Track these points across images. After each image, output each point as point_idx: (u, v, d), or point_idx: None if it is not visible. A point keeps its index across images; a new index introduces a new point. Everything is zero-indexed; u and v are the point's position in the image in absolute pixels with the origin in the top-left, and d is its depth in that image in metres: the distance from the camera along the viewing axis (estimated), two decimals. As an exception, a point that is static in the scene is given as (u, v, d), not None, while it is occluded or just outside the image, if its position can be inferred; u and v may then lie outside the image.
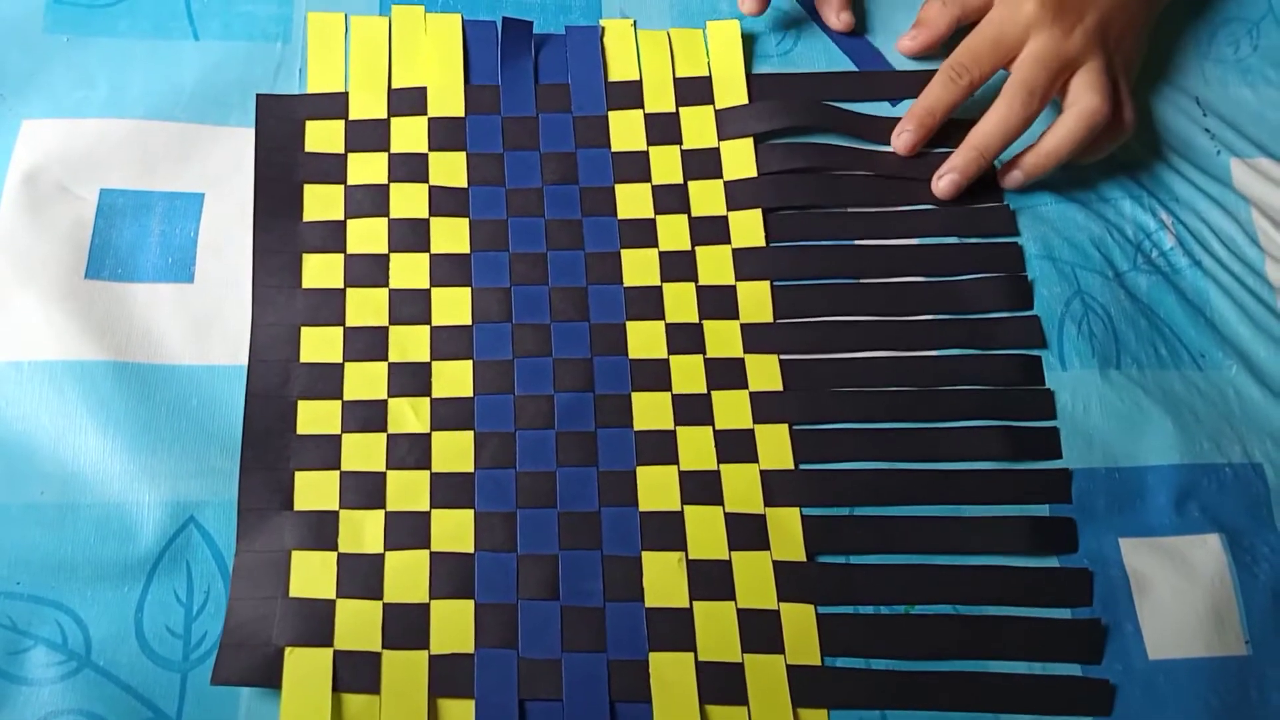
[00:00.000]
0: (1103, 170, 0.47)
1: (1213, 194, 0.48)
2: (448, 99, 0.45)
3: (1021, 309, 0.44)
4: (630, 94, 0.47)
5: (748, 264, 0.44)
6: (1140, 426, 0.42)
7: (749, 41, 0.49)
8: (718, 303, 0.43)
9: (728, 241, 0.44)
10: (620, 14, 0.49)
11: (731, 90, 0.47)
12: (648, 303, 0.42)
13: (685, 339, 0.42)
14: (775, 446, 0.40)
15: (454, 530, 0.38)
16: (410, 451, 0.39)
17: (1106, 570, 0.39)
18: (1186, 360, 0.44)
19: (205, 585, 0.36)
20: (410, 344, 0.41)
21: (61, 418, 0.38)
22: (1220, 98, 0.51)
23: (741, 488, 0.39)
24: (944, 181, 0.45)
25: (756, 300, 0.43)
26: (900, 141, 0.46)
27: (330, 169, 0.44)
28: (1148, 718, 0.37)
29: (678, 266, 0.43)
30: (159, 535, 0.37)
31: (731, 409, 0.41)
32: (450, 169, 0.44)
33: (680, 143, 0.46)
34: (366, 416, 0.39)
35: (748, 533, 0.39)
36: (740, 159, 0.46)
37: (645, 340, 0.41)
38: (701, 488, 0.39)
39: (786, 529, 0.39)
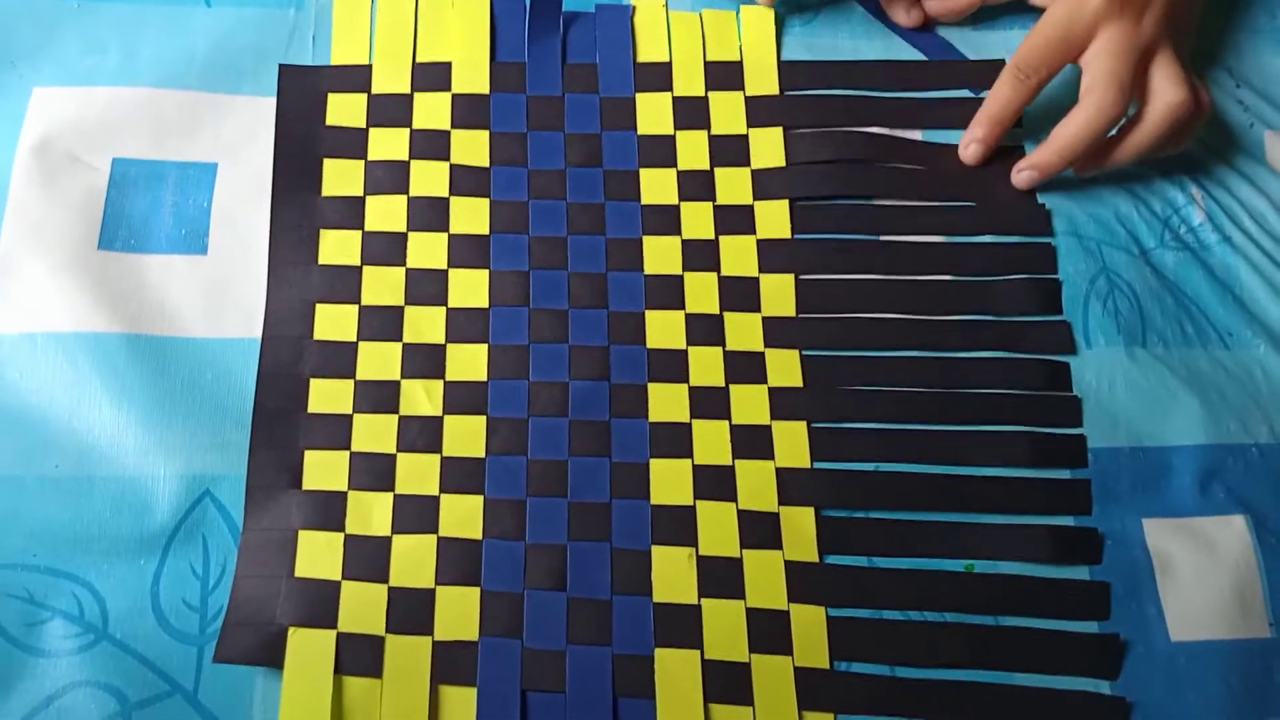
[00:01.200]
0: (1132, 143, 0.46)
1: (1244, 169, 0.47)
2: (473, 75, 0.45)
3: (1051, 313, 0.43)
4: (659, 76, 0.46)
5: (772, 256, 0.43)
6: (1166, 405, 0.41)
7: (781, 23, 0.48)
8: (740, 295, 0.42)
9: (753, 232, 0.43)
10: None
11: (763, 76, 0.46)
12: (668, 292, 0.42)
13: (705, 330, 0.41)
14: (792, 444, 0.40)
15: (462, 516, 0.37)
16: (421, 434, 0.38)
17: (1129, 550, 0.39)
18: (1214, 338, 0.43)
19: (221, 559, 0.36)
20: (425, 325, 0.40)
21: (75, 390, 0.38)
22: (1254, 68, 0.50)
23: (756, 484, 0.39)
24: (1023, 176, 0.44)
25: (779, 293, 0.42)
26: (969, 153, 0.44)
27: (351, 143, 0.43)
28: (1167, 699, 0.37)
29: (700, 255, 0.42)
30: (174, 509, 0.37)
31: (749, 403, 0.40)
32: (472, 147, 0.43)
33: (709, 128, 0.45)
34: (378, 397, 0.39)
35: (760, 531, 0.38)
36: (769, 147, 0.45)
37: (664, 330, 0.41)
38: (715, 483, 0.39)
39: (800, 529, 0.38)
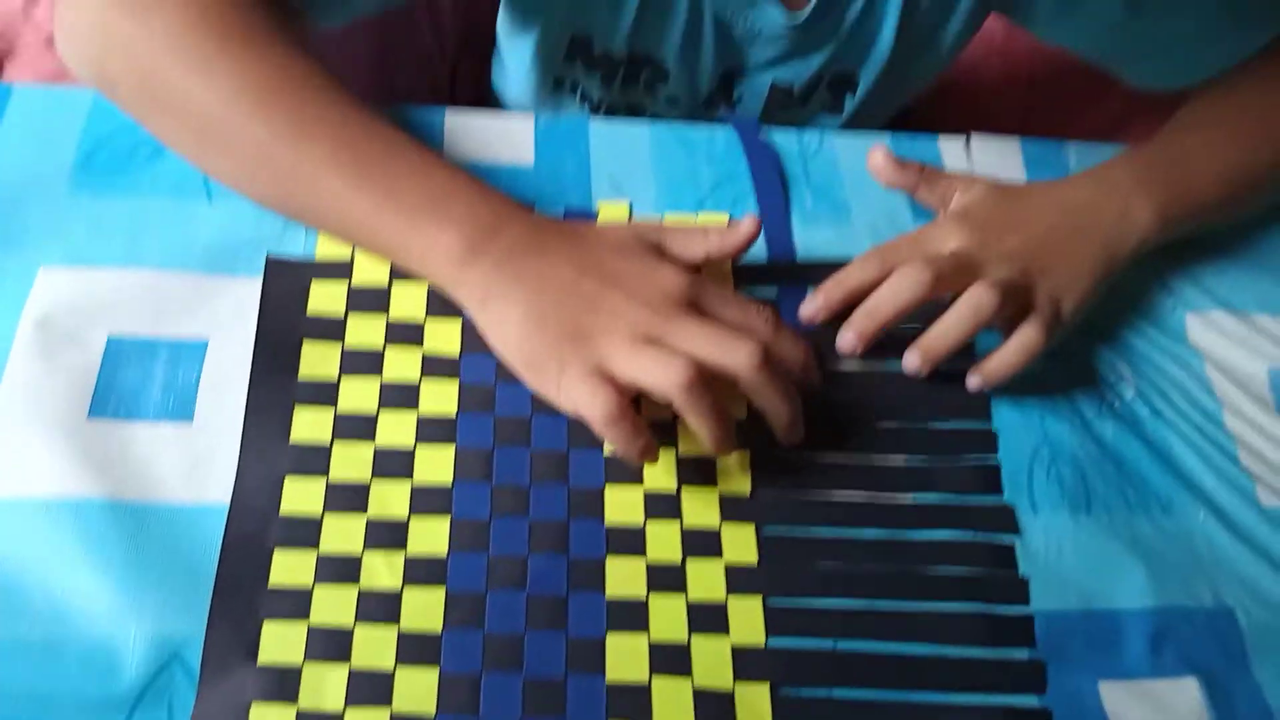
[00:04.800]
0: (1063, 324, 0.50)
1: (1167, 348, 0.51)
2: None
3: (993, 495, 0.45)
4: None
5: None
6: (1113, 569, 0.43)
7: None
8: (697, 469, 0.43)
9: None
10: (613, 191, 0.52)
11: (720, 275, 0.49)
12: (627, 468, 0.43)
13: (664, 506, 0.42)
14: (748, 620, 0.40)
15: (417, 690, 0.37)
16: (379, 606, 0.39)
17: (1085, 715, 0.39)
18: (1154, 506, 0.45)
19: (184, 725, 0.36)
20: (391, 499, 0.41)
21: (55, 555, 0.38)
22: (1178, 252, 0.53)
23: (712, 661, 0.39)
24: (845, 340, 0.46)
25: (736, 471, 0.44)
26: (804, 309, 0.47)
27: (329, 329, 0.45)
28: None
29: (659, 432, 0.43)
30: (142, 672, 0.37)
31: (706, 579, 0.41)
32: (445, 336, 0.46)
33: None
34: (340, 570, 0.40)
35: (715, 709, 0.38)
36: None
37: (623, 506, 0.42)
38: (670, 659, 0.39)
39: (754, 707, 0.38)
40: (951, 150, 0.55)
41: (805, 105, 0.66)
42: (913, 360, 0.45)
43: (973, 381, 0.46)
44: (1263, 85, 0.56)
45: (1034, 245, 0.48)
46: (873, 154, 0.52)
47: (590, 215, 0.50)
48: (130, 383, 0.43)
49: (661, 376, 0.38)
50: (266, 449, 0.42)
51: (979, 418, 0.47)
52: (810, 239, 0.51)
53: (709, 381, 0.39)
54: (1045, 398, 0.48)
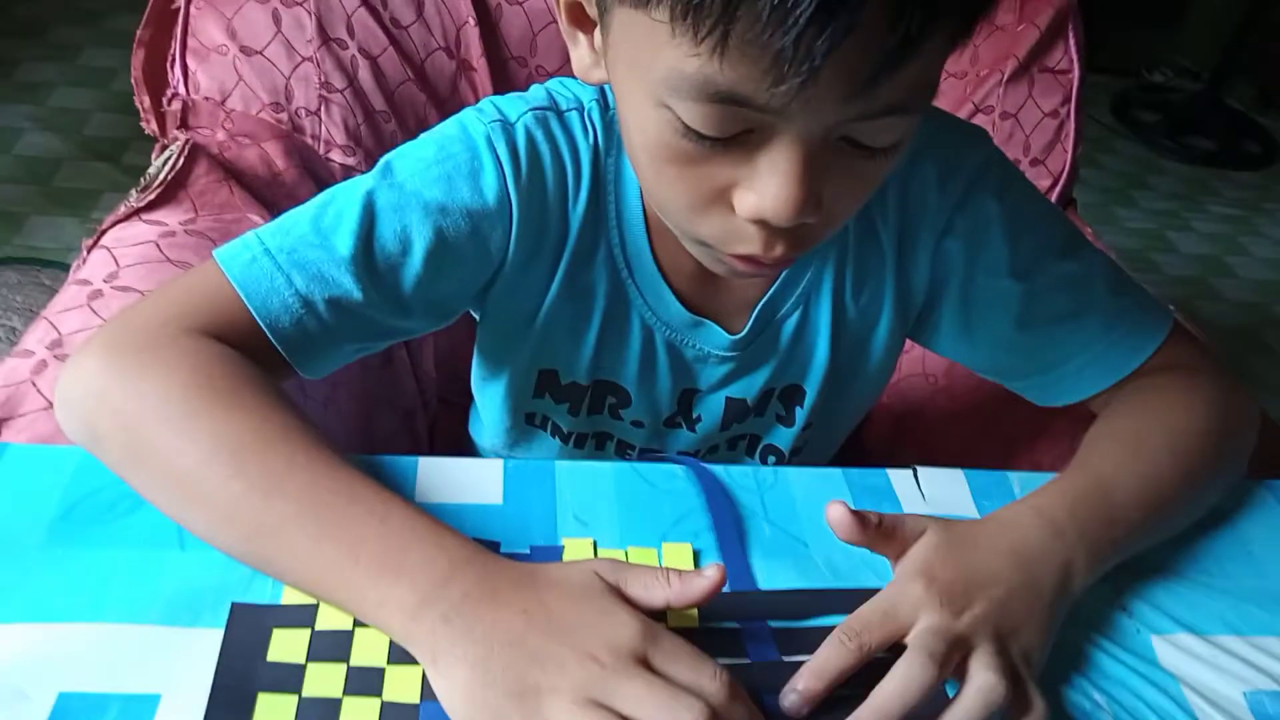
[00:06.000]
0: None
1: (1141, 671, 0.50)
2: None
3: None
4: None
5: None
6: None
7: (698, 557, 0.53)
8: None
9: None
10: (579, 527, 0.53)
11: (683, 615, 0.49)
12: None
13: None
14: None
15: None
16: None
17: None
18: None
19: None
20: None
21: None
22: (1131, 577, 0.54)
23: None
24: None
25: None
26: (787, 702, 0.44)
27: (287, 679, 0.44)
28: None
29: None
30: None
31: None
32: (404, 683, 0.45)
33: None
34: None
35: None
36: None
37: None
38: None
39: None
40: (901, 481, 0.58)
41: (762, 416, 0.70)
42: None
43: None
44: (1159, 400, 0.60)
45: (998, 608, 0.47)
46: (830, 509, 0.48)
47: (556, 550, 0.51)
48: (74, 745, 0.41)
49: None
50: None
51: None
52: (770, 571, 0.52)
53: None
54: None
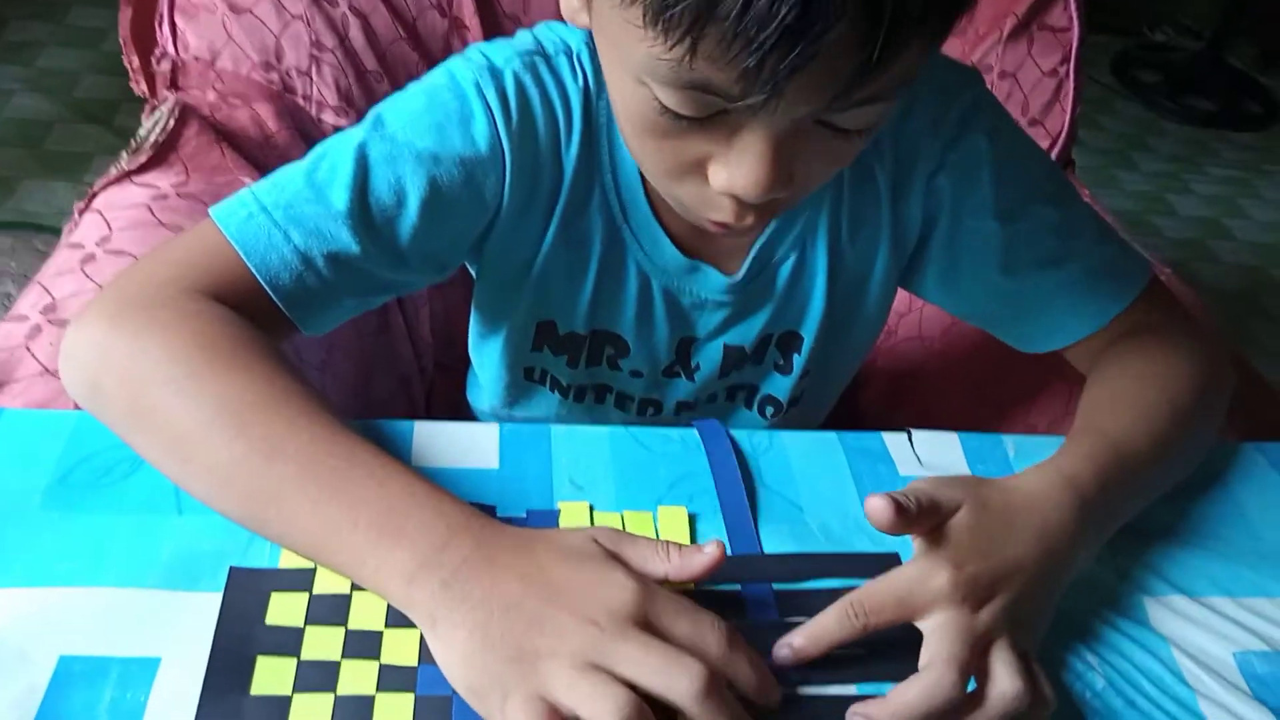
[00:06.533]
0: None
1: (1133, 634, 0.50)
2: None
3: None
4: None
5: None
6: None
7: (693, 521, 0.53)
8: None
9: None
10: (575, 491, 0.53)
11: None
12: None
13: None
14: None
15: None
16: None
17: None
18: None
19: None
20: None
21: None
22: (1128, 540, 0.54)
23: None
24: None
25: None
26: (781, 654, 0.45)
27: (286, 642, 0.45)
28: None
29: None
30: None
31: None
32: (403, 646, 0.45)
33: None
34: None
35: None
36: None
37: None
38: None
39: None
40: (896, 444, 0.58)
41: (760, 364, 0.70)
42: None
43: None
44: (1153, 360, 0.61)
45: (1017, 601, 0.46)
46: (870, 501, 0.45)
47: (553, 514, 0.52)
48: (76, 705, 0.42)
49: (600, 710, 0.38)
50: None
51: None
52: (765, 535, 0.52)
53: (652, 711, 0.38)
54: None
